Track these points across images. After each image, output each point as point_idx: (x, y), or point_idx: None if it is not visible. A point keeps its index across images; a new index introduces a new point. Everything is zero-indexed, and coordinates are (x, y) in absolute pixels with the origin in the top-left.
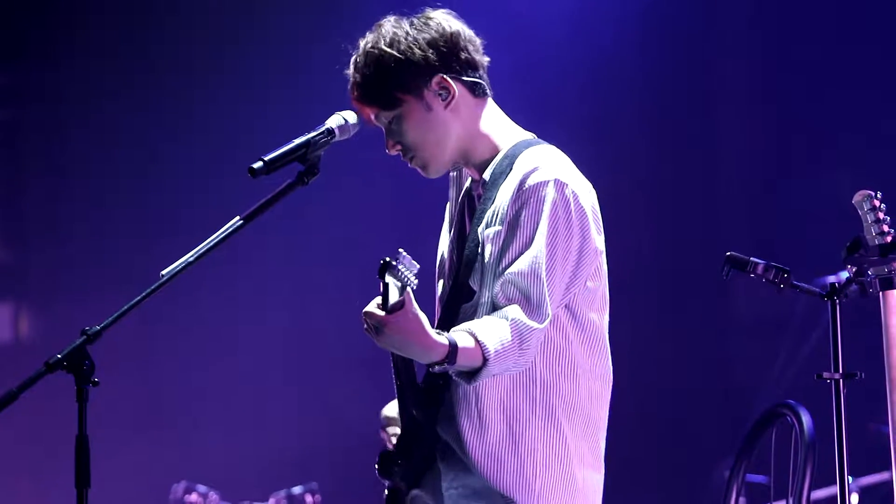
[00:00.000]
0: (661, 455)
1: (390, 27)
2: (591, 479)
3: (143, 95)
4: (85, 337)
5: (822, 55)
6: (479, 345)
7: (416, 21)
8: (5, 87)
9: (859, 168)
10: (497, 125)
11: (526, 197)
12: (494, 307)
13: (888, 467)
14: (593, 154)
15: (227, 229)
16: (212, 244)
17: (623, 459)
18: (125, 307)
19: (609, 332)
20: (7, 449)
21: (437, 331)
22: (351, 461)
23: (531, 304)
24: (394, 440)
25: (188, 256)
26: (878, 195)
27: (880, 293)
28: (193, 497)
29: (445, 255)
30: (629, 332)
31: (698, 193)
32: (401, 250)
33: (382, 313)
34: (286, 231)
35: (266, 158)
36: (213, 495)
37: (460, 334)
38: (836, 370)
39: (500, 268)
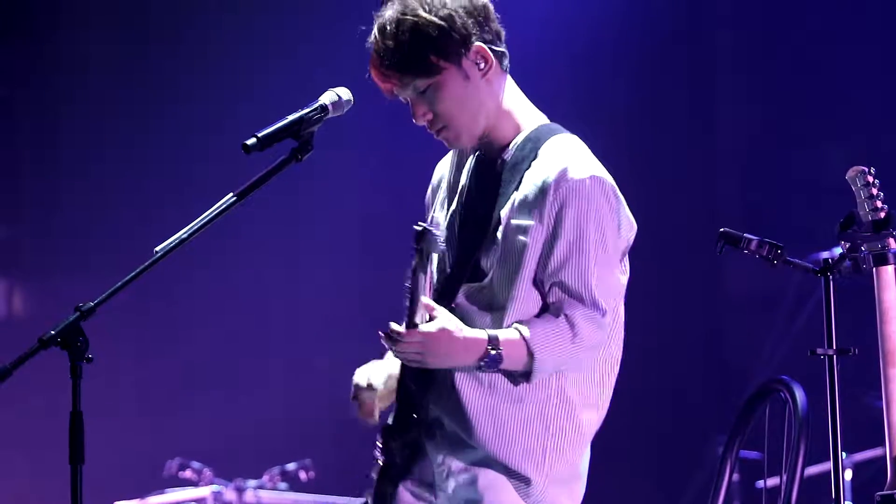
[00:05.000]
0: (654, 432)
1: None
2: (587, 448)
3: (139, 71)
4: (79, 313)
5: (816, 29)
6: (523, 338)
7: None
8: (0, 62)
9: (853, 144)
10: (519, 102)
11: (565, 195)
12: (544, 310)
13: (882, 443)
14: (584, 129)
15: (220, 206)
16: (206, 220)
17: (617, 436)
18: (119, 283)
19: None
20: (1, 425)
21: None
22: (345, 437)
23: (585, 303)
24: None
25: (182, 233)
26: (872, 171)
27: (873, 269)
28: (187, 473)
29: (443, 227)
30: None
31: (692, 169)
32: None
33: (422, 331)
34: (283, 206)
35: (260, 135)
36: (207, 472)
37: (502, 330)
38: (830, 346)
39: (549, 271)
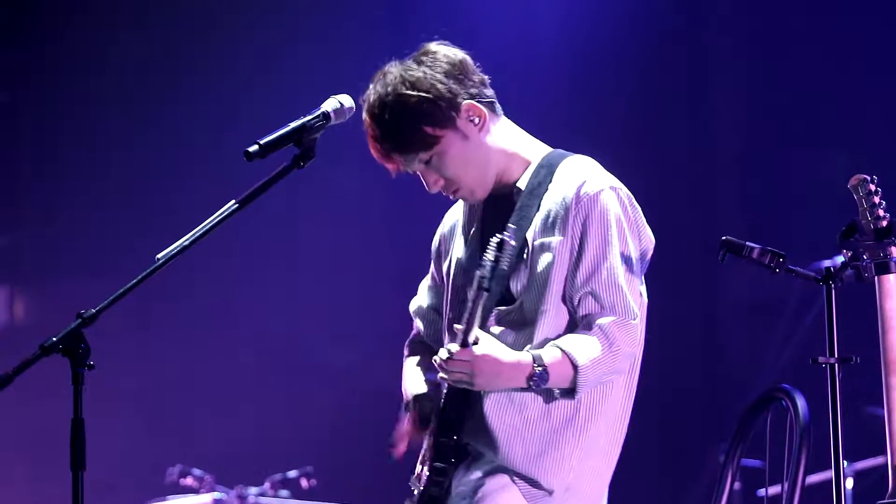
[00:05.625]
0: (655, 440)
1: (400, 72)
2: (610, 466)
3: (141, 77)
4: (80, 320)
5: (820, 33)
6: (565, 353)
7: (421, 59)
8: (1, 67)
9: (855, 152)
10: (522, 140)
11: (587, 208)
12: (574, 323)
13: (883, 451)
14: (582, 136)
15: (222, 213)
16: (207, 228)
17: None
18: (121, 290)
19: None
20: (2, 431)
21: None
22: (346, 445)
23: (616, 311)
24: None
25: (184, 240)
26: (874, 179)
27: (875, 277)
28: (189, 480)
29: (463, 259)
30: None
31: (692, 177)
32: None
33: (471, 351)
34: (284, 211)
35: (262, 142)
36: (209, 479)
37: (542, 350)
38: (832, 354)
39: (578, 283)
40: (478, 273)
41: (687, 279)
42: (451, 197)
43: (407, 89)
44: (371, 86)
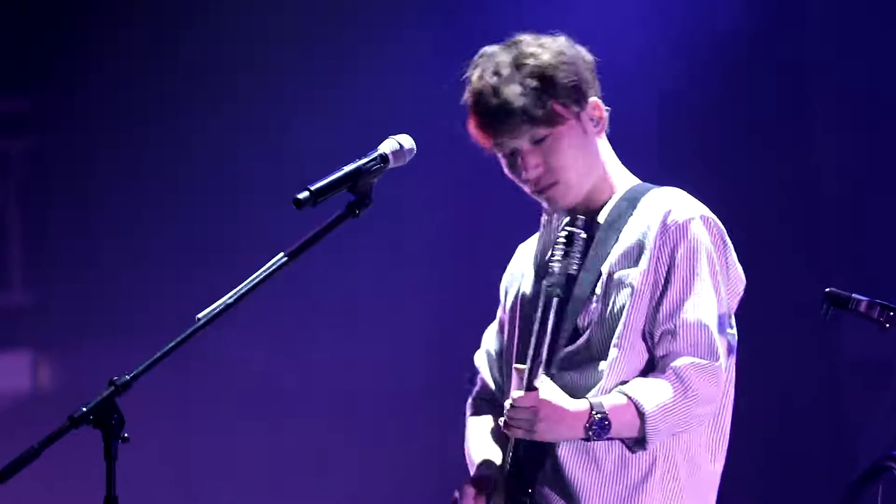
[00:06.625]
0: None
1: (539, 41)
2: None
3: (173, 125)
4: (113, 388)
5: None
6: (630, 399)
7: (561, 41)
8: (26, 114)
9: None
10: (616, 164)
11: (675, 238)
12: (653, 362)
13: None
14: (677, 177)
15: (270, 267)
16: (253, 283)
17: None
18: (158, 354)
19: None
20: None
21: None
22: None
23: (699, 351)
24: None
25: (227, 297)
26: None
27: None
28: None
29: (528, 293)
30: None
31: (794, 220)
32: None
33: (536, 395)
34: (334, 268)
35: (312, 188)
36: None
37: (605, 396)
38: None
39: (660, 318)
40: (545, 283)
41: (791, 335)
42: (538, 194)
43: (550, 58)
44: (488, 49)
